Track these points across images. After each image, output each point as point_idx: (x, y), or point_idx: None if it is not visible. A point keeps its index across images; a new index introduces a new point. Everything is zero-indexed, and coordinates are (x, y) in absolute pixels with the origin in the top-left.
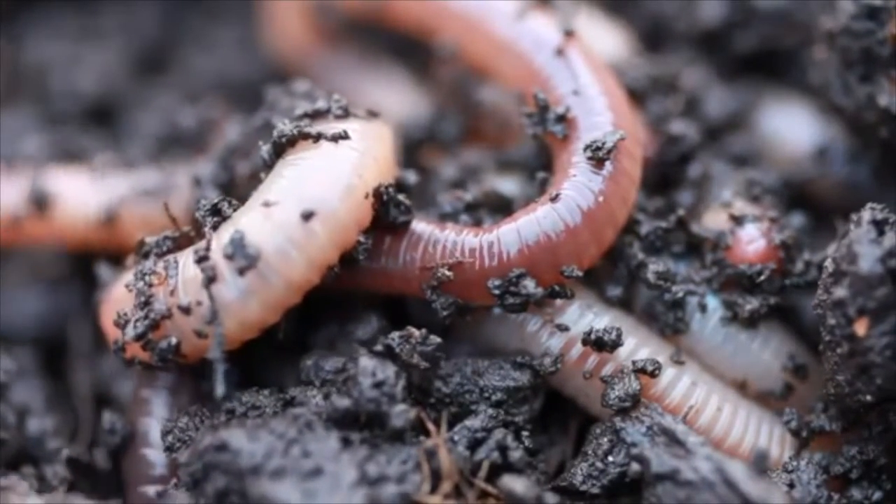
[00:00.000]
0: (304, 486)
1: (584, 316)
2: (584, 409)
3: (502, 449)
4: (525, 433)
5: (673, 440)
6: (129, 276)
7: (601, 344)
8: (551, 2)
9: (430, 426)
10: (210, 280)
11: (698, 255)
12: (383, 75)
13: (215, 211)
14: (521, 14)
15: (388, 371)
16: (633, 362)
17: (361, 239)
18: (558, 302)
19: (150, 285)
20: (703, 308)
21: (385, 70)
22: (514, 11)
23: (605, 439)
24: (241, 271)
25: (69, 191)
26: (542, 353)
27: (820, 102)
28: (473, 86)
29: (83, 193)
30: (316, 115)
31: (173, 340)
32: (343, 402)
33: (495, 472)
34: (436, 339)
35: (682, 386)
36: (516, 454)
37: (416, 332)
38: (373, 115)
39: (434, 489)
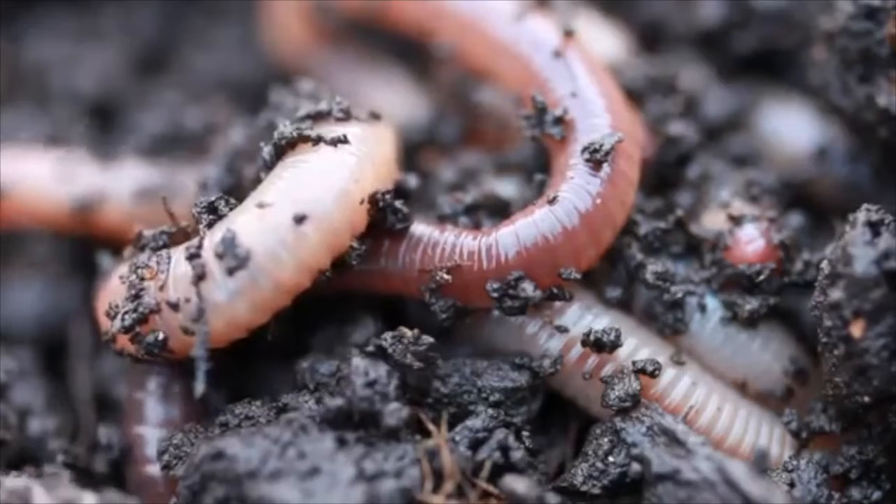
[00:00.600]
0: (303, 486)
1: (584, 317)
2: (585, 410)
3: (504, 449)
4: (525, 433)
5: (673, 440)
6: (124, 268)
7: (600, 345)
8: (549, 3)
9: (431, 426)
10: (199, 278)
11: (697, 255)
12: (382, 76)
13: (212, 209)
14: (520, 15)
15: (380, 370)
16: (633, 363)
17: (355, 244)
18: (557, 303)
19: (142, 279)
20: (702, 308)
21: (384, 71)
22: (512, 13)
23: (606, 440)
24: (231, 271)
25: (29, 173)
26: (542, 355)
27: (819, 103)
28: (472, 87)
29: (43, 177)
30: (318, 117)
31: (160, 335)
32: (336, 402)
33: (497, 473)
34: (428, 339)
35: (682, 386)
36: (518, 454)
37: (408, 333)
38: (375, 117)
39: (436, 489)
